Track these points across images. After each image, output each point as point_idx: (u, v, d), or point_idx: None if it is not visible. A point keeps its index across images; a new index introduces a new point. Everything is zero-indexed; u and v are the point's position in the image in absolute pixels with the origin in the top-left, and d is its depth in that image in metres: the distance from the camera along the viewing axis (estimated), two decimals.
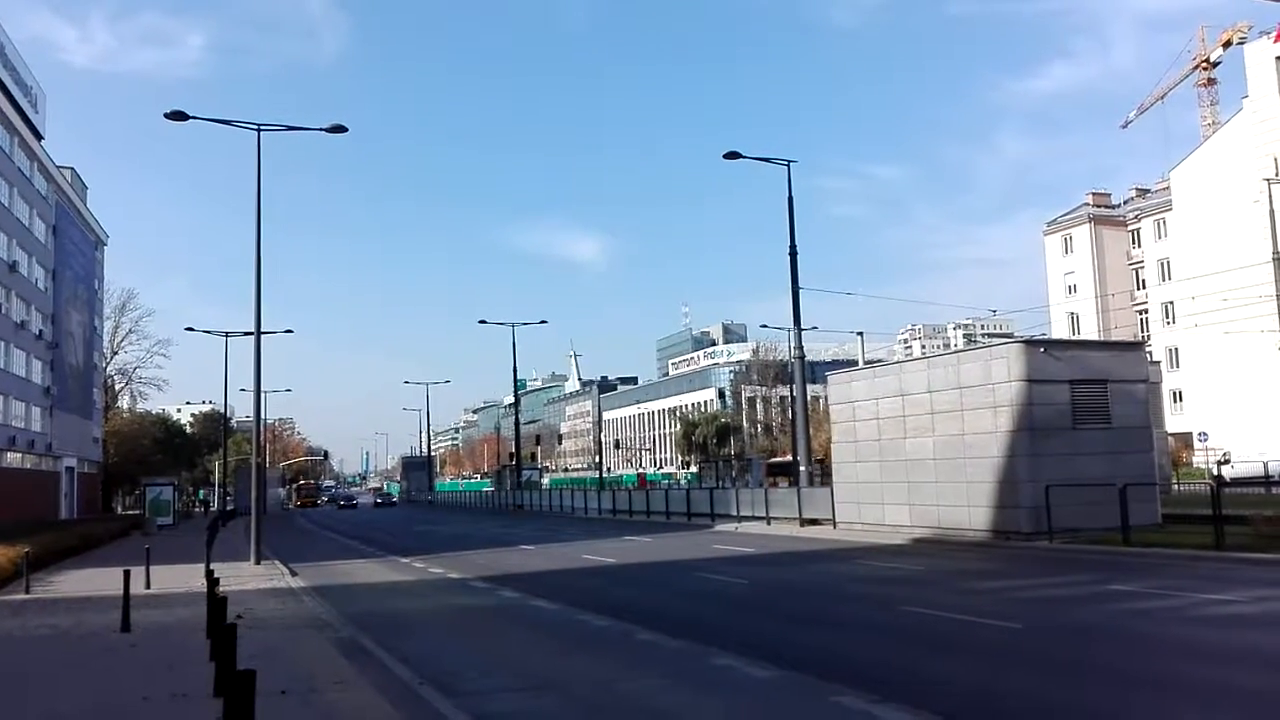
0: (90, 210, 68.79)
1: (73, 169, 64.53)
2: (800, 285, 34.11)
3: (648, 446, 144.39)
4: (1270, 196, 41.20)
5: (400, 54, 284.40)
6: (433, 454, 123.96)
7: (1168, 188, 72.70)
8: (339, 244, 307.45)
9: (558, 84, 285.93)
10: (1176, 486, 37.72)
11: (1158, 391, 42.94)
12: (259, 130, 26.57)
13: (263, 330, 27.92)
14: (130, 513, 62.35)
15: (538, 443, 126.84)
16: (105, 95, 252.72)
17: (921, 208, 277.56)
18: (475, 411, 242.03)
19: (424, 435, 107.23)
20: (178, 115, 25.66)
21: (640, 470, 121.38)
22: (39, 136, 55.41)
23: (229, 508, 67.34)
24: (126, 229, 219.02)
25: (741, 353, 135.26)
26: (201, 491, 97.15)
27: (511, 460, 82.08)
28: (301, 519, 67.10)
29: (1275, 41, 63.09)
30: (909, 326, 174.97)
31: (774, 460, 72.66)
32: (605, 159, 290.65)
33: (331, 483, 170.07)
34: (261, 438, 32.95)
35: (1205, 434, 57.51)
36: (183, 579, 20.69)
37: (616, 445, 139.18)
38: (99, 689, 9.85)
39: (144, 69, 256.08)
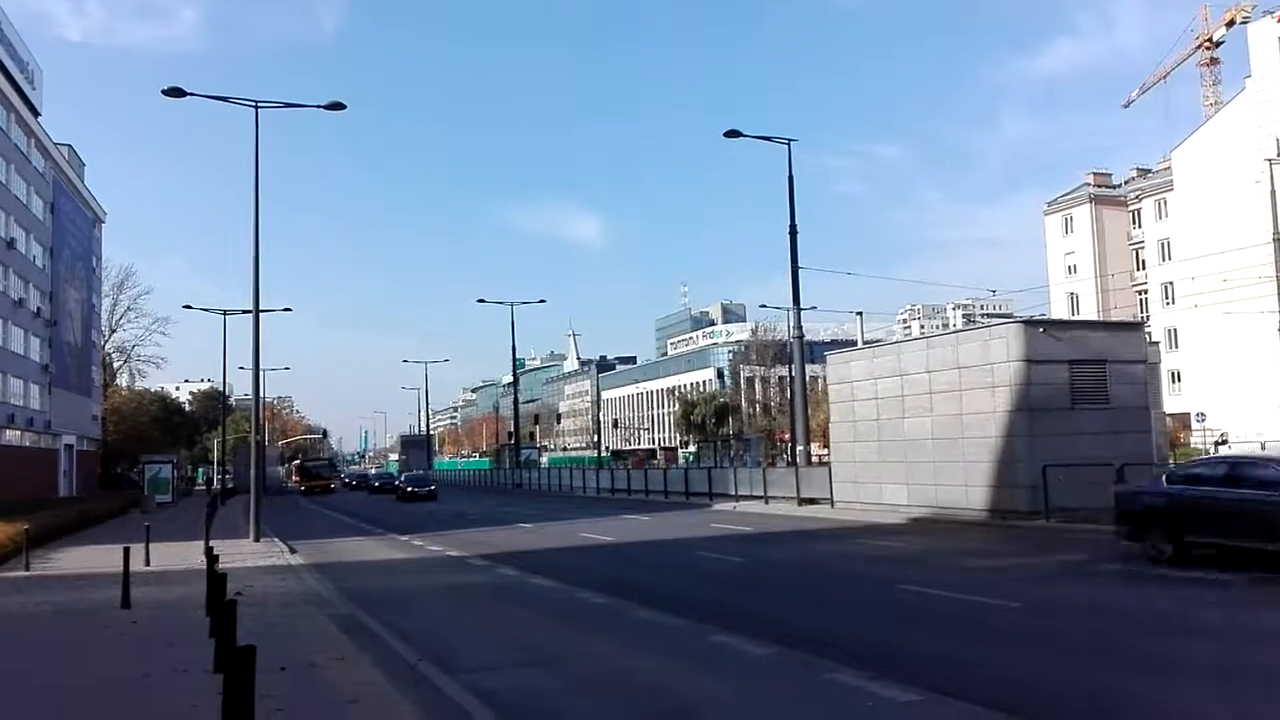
0: (88, 187, 68.51)
1: (70, 146, 64.20)
2: (800, 265, 34.05)
3: (646, 426, 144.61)
4: (1272, 177, 41.07)
5: (398, 30, 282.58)
6: (432, 433, 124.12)
7: (1169, 167, 72.50)
8: (338, 221, 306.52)
9: (558, 61, 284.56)
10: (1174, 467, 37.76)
11: (1156, 372, 42.82)
12: (256, 107, 26.46)
13: (261, 309, 27.90)
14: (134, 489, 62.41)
15: (536, 422, 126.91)
16: (101, 71, 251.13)
17: (923, 187, 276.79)
18: (474, 390, 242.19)
19: (423, 414, 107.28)
20: (175, 91, 25.52)
21: (665, 448, 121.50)
22: (36, 113, 55.08)
23: (228, 485, 67.47)
24: (125, 206, 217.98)
25: (740, 333, 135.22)
26: (201, 470, 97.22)
27: (510, 439, 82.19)
28: (299, 497, 67.08)
29: (1278, 21, 62.74)
30: (908, 306, 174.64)
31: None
32: (605, 137, 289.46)
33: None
34: (260, 416, 32.97)
35: (1203, 414, 57.60)
36: (182, 556, 20.76)
37: (615, 425, 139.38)
38: (100, 665, 9.89)
39: (139, 44, 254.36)
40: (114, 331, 79.08)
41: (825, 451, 40.87)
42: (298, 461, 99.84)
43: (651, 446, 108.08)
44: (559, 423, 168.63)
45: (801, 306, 34.94)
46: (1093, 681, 8.24)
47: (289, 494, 72.44)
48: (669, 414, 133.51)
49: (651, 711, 7.67)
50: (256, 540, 25.49)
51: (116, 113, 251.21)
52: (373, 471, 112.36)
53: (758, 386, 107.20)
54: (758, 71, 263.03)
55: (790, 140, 33.34)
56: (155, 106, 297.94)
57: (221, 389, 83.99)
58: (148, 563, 19.12)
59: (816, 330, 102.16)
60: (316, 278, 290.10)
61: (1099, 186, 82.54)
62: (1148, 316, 70.62)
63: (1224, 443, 49.98)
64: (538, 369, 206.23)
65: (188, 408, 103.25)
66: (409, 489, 53.28)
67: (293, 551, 23.17)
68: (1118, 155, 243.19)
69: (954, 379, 24.95)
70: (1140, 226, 76.55)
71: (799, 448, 36.05)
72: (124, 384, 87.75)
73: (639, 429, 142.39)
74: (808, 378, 37.70)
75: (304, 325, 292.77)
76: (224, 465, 75.73)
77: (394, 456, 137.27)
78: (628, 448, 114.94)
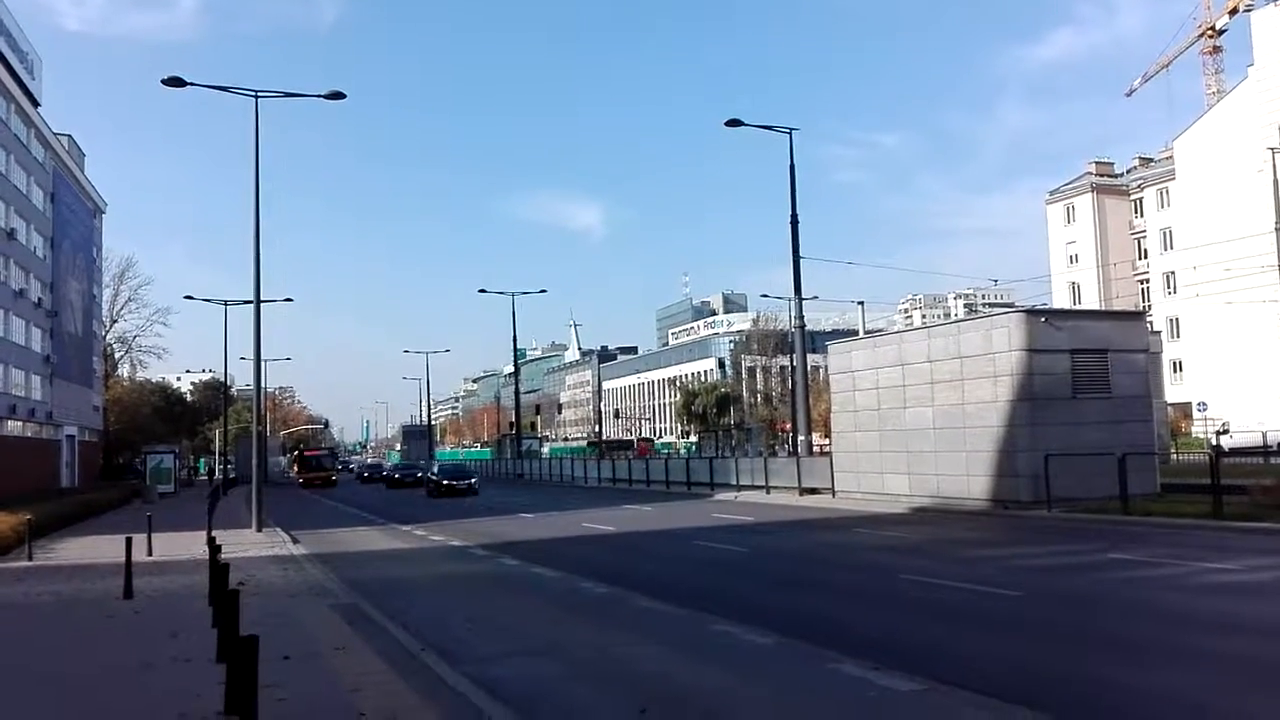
0: (88, 178, 68.41)
1: (70, 136, 64.06)
2: (801, 254, 34.01)
3: (647, 416, 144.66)
4: (1274, 165, 40.99)
5: (399, 17, 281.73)
6: (433, 423, 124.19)
7: (1171, 156, 72.34)
8: (339, 210, 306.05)
9: (560, 48, 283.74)
10: (1175, 456, 37.80)
11: (1158, 361, 42.97)
12: (256, 96, 26.39)
13: (262, 299, 27.86)
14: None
15: (538, 412, 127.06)
16: (100, 59, 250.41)
17: (924, 176, 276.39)
18: (475, 381, 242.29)
19: (424, 404, 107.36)
20: (175, 81, 25.46)
21: (642, 438, 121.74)
22: (35, 103, 54.96)
23: (230, 476, 67.46)
24: (125, 196, 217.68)
25: (741, 322, 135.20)
26: (203, 461, 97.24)
27: (511, 429, 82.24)
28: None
29: None
30: (910, 296, 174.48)
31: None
32: (607, 125, 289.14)
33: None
34: (261, 406, 32.98)
35: (1204, 404, 57.58)
36: (185, 546, 20.81)
37: (616, 415, 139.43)
38: (102, 655, 9.91)
39: (138, 32, 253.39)
40: (115, 322, 79.10)
41: (826, 441, 40.90)
42: (301, 451, 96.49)
43: (629, 437, 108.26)
44: (560, 413, 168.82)
45: (803, 296, 34.91)
46: (1094, 671, 8.25)
47: (290, 485, 70.89)
48: (670, 404, 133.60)
49: (653, 699, 7.67)
50: (259, 530, 25.52)
51: (116, 102, 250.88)
52: (387, 461, 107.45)
53: (759, 376, 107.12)
54: (760, 59, 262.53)
55: (792, 129, 33.30)
56: (155, 96, 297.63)
57: (223, 379, 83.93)
58: (150, 553, 19.15)
59: (818, 320, 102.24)
60: (318, 268, 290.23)
61: (1101, 176, 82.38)
62: (1149, 306, 70.61)
63: (1225, 432, 49.94)
64: (539, 359, 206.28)
65: (189, 398, 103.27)
66: (444, 482, 44.31)
67: (295, 541, 23.21)
68: (1120, 144, 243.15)
69: (955, 368, 24.94)
70: (1142, 216, 76.42)
71: (800, 438, 36.08)
72: (125, 374, 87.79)
73: (640, 419, 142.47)
74: (809, 367, 37.71)
75: (305, 315, 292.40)
76: (225, 456, 75.73)
77: (397, 447, 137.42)
78: (606, 439, 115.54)
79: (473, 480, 45.63)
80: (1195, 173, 67.43)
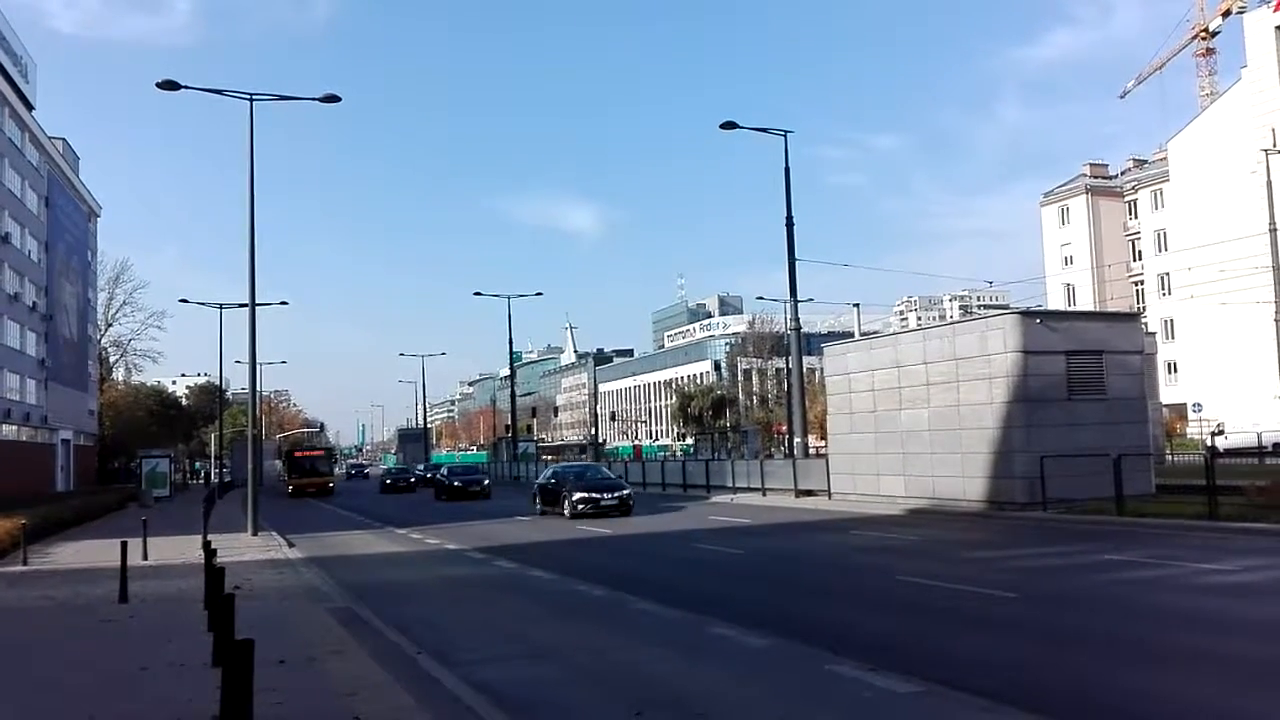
0: (83, 181, 68.32)
1: (64, 140, 63.98)
2: (797, 257, 33.98)
3: (643, 419, 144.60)
4: (1268, 167, 41.09)
5: (393, 19, 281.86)
6: (429, 426, 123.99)
7: (1165, 158, 72.51)
8: (334, 213, 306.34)
9: (555, 50, 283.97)
10: (1170, 457, 37.89)
11: (1153, 363, 43.01)
12: (251, 100, 26.32)
13: (257, 302, 27.79)
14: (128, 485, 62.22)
15: (534, 415, 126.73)
16: (95, 63, 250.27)
17: (920, 177, 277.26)
18: (471, 384, 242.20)
19: (420, 407, 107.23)
20: (169, 85, 25.42)
21: (636, 442, 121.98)
22: (30, 107, 54.89)
23: (226, 480, 67.24)
24: (120, 200, 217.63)
25: (737, 325, 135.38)
26: (199, 464, 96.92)
27: (508, 432, 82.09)
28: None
29: (1274, 11, 62.70)
30: (905, 298, 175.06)
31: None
32: (602, 127, 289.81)
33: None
34: (257, 410, 32.90)
35: (1199, 405, 57.69)
36: (180, 550, 20.75)
37: (612, 417, 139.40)
38: (98, 659, 9.88)
39: (133, 35, 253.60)
40: (110, 326, 78.85)
41: (822, 444, 40.96)
42: (293, 453, 74.06)
43: (578, 440, 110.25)
44: (556, 416, 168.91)
45: (798, 298, 34.86)
46: (1090, 672, 8.25)
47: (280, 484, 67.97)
48: (666, 406, 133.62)
49: (649, 702, 7.67)
50: (254, 534, 25.46)
51: (111, 106, 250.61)
52: (381, 465, 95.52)
53: (755, 379, 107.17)
54: (756, 61, 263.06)
55: (787, 132, 33.25)
56: (150, 99, 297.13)
57: (218, 383, 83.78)
58: (145, 557, 19.10)
59: (813, 322, 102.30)
60: (314, 270, 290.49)
61: (1095, 177, 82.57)
62: (1144, 307, 70.73)
63: (1220, 433, 50.03)
64: (535, 362, 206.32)
65: (184, 402, 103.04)
66: (584, 496, 28.63)
67: (291, 545, 23.16)
68: (1115, 145, 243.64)
69: (951, 370, 24.95)
70: (1136, 217, 76.58)
71: (796, 440, 36.17)
72: (120, 378, 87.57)
73: (636, 422, 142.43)
74: (805, 370, 37.73)
75: (301, 319, 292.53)
76: (221, 460, 75.51)
77: (392, 450, 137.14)
78: (553, 444, 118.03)
79: (626, 493, 29.52)
80: (1189, 174, 67.59)
